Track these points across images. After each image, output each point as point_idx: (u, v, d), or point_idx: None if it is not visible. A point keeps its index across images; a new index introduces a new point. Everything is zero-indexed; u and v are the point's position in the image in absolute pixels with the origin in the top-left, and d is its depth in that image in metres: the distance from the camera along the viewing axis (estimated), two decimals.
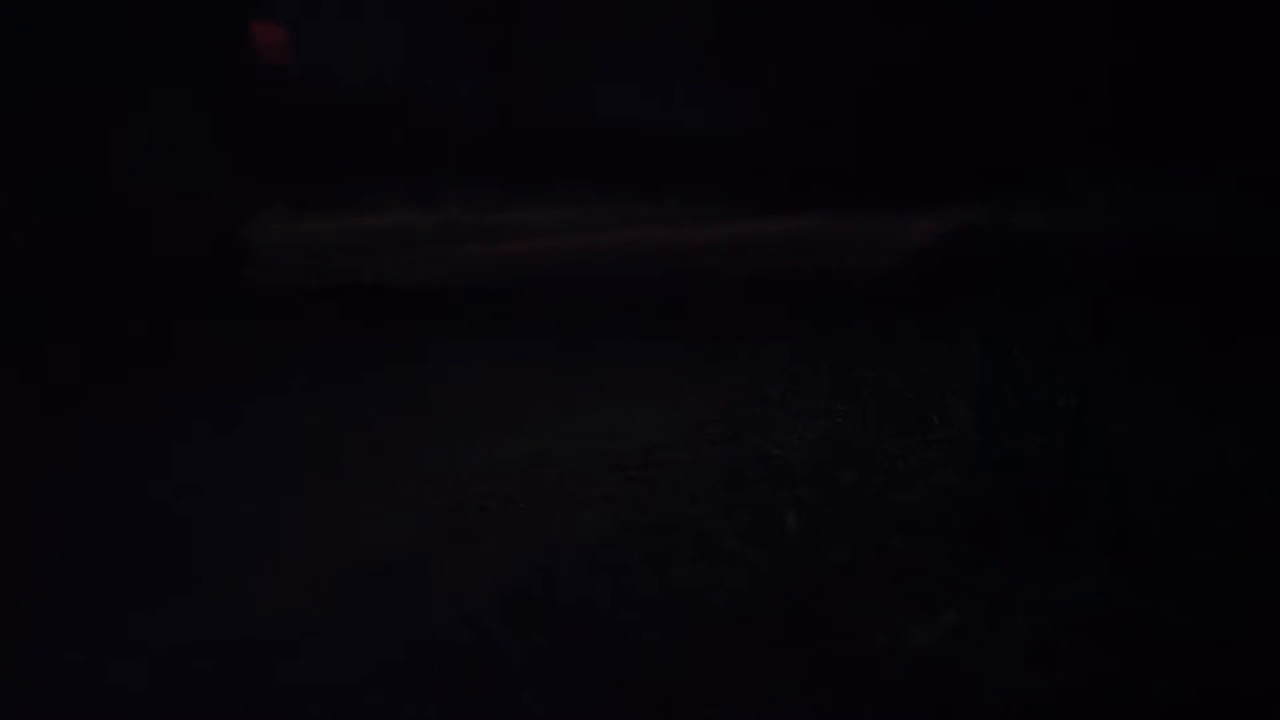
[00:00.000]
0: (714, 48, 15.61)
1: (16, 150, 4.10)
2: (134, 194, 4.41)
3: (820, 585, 1.64)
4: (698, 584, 1.68)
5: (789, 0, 15.08)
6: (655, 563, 1.78)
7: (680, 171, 12.96)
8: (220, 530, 2.10)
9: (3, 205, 4.04)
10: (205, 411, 3.08)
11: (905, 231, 8.80)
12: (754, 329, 4.43)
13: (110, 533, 2.11)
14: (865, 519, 1.89)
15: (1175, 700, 1.29)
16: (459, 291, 5.94)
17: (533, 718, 1.34)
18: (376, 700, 1.38)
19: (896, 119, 13.33)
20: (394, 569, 1.87)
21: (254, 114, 5.01)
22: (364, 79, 10.88)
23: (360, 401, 3.24)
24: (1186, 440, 2.12)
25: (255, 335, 4.39)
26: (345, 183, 9.98)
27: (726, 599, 1.62)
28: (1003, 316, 3.51)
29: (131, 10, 4.42)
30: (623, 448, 2.53)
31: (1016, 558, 1.66)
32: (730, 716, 1.31)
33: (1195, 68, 9.11)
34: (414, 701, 1.37)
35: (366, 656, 1.50)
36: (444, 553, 1.94)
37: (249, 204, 5.21)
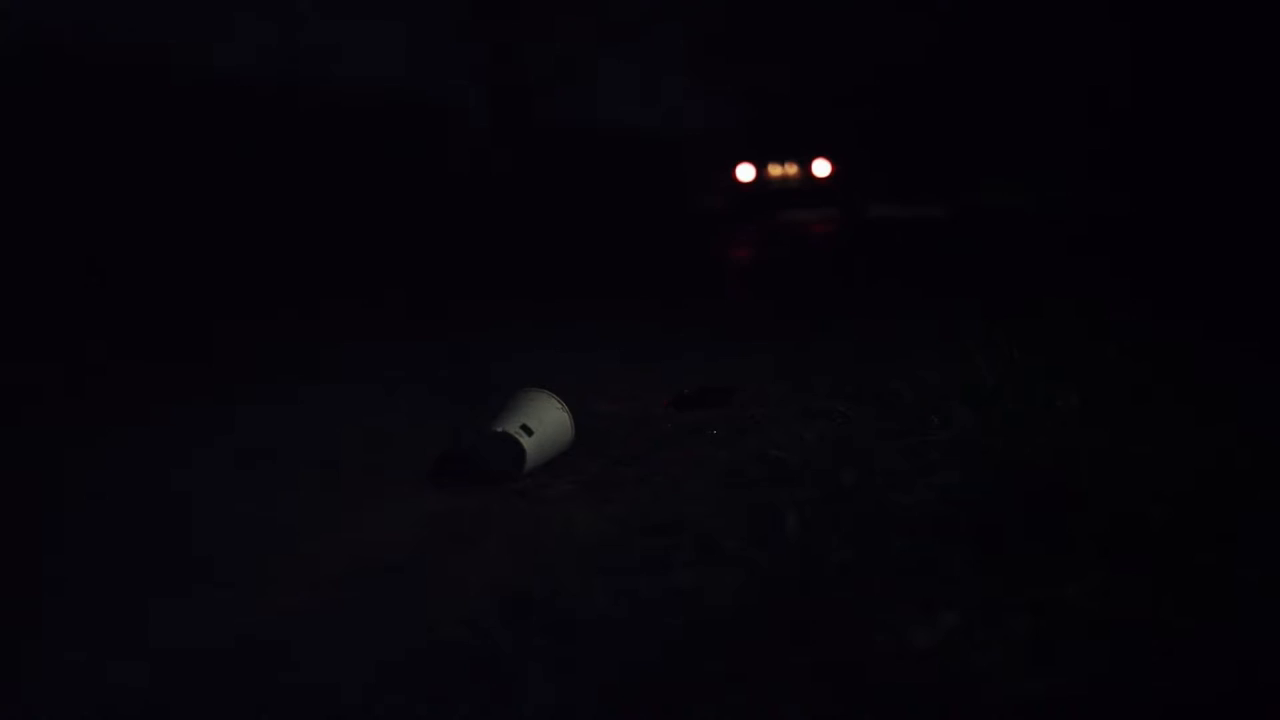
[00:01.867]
0: (716, 47, 15.64)
1: None
2: None
3: (820, 586, 1.64)
4: (698, 585, 1.68)
5: (791, 1, 15.17)
6: (655, 564, 1.78)
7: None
8: None
9: None
10: None
11: (926, 215, 11.26)
12: None
13: None
14: (865, 519, 1.89)
15: (1175, 700, 1.29)
16: None
17: (533, 717, 1.34)
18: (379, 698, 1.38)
19: (896, 120, 13.75)
20: None
21: None
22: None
23: None
24: (1186, 440, 2.12)
25: None
26: None
27: (726, 600, 1.62)
28: (1003, 316, 3.52)
29: None
30: None
31: (1016, 558, 1.66)
32: (730, 716, 1.31)
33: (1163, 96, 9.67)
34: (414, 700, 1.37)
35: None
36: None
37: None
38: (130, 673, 1.51)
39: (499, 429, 2.32)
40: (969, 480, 2.03)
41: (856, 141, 11.77)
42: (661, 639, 1.51)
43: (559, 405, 2.46)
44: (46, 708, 1.44)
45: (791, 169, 11.08)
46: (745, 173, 11.21)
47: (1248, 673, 1.34)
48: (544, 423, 2.40)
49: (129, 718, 1.41)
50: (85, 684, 1.49)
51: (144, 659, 1.54)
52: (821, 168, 11.07)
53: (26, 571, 1.95)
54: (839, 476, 2.12)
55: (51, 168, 6.44)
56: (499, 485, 2.28)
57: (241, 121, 8.42)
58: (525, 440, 2.32)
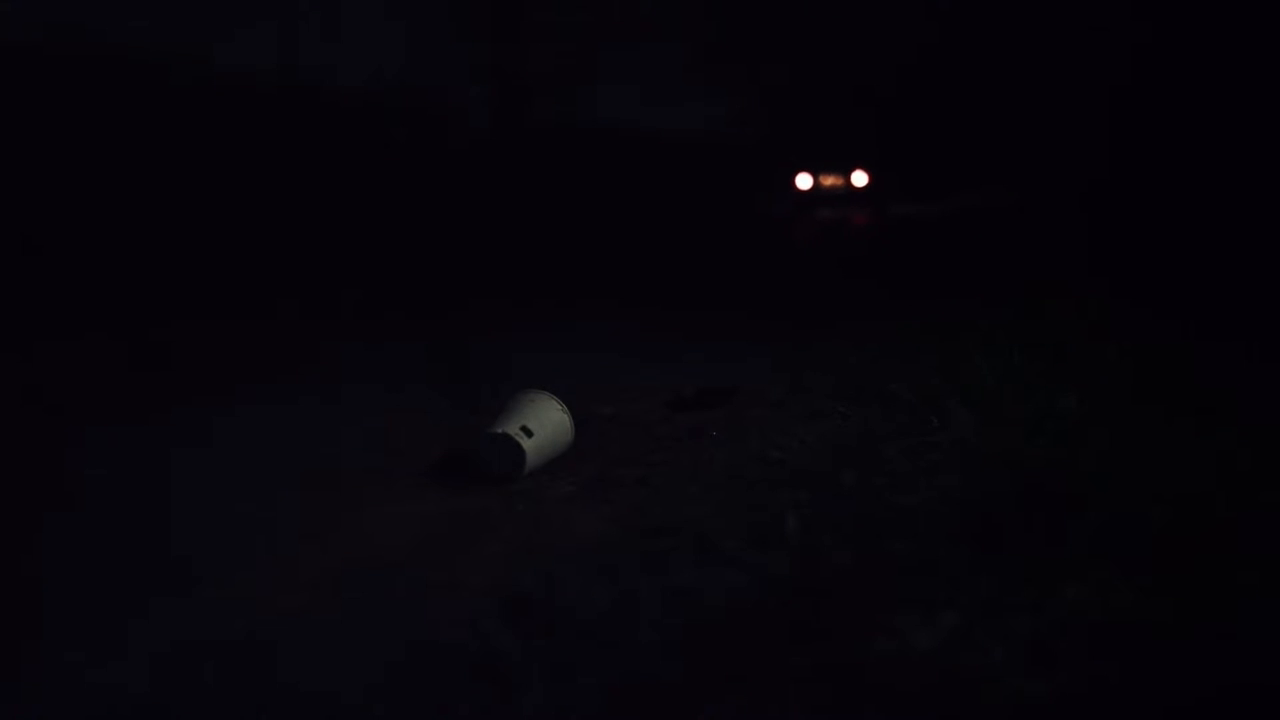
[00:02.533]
0: (716, 47, 15.67)
1: None
2: None
3: (820, 587, 1.64)
4: (698, 585, 1.68)
5: (791, 2, 15.23)
6: (655, 564, 1.78)
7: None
8: None
9: None
10: None
11: (933, 214, 12.45)
12: None
13: None
14: (865, 520, 1.89)
15: (1174, 701, 1.29)
16: None
17: (533, 718, 1.34)
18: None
19: (895, 120, 14.24)
20: None
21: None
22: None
23: None
24: (1186, 441, 2.12)
25: None
26: None
27: (726, 601, 1.62)
28: (1003, 316, 3.52)
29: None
30: None
31: (1016, 558, 1.66)
32: (730, 716, 1.31)
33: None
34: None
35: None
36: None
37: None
38: (130, 673, 1.51)
39: (499, 430, 2.32)
40: (969, 480, 2.03)
41: (883, 157, 14.83)
42: (661, 639, 1.50)
43: (559, 407, 2.46)
44: (46, 708, 1.44)
45: (838, 179, 14.34)
46: (804, 181, 14.49)
47: (1248, 673, 1.34)
48: (544, 424, 2.40)
49: (128, 718, 1.41)
50: (84, 684, 1.49)
51: (143, 659, 1.54)
52: (860, 178, 14.29)
53: (26, 571, 1.95)
54: (839, 477, 2.12)
55: (51, 167, 6.44)
56: (499, 486, 2.28)
57: (241, 121, 8.42)
58: (525, 442, 2.32)
